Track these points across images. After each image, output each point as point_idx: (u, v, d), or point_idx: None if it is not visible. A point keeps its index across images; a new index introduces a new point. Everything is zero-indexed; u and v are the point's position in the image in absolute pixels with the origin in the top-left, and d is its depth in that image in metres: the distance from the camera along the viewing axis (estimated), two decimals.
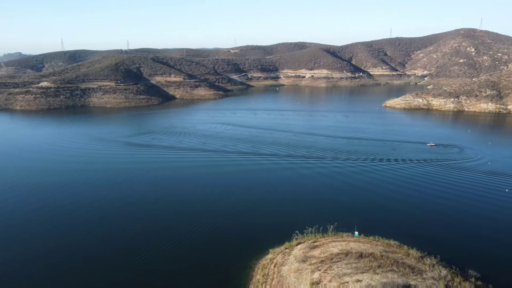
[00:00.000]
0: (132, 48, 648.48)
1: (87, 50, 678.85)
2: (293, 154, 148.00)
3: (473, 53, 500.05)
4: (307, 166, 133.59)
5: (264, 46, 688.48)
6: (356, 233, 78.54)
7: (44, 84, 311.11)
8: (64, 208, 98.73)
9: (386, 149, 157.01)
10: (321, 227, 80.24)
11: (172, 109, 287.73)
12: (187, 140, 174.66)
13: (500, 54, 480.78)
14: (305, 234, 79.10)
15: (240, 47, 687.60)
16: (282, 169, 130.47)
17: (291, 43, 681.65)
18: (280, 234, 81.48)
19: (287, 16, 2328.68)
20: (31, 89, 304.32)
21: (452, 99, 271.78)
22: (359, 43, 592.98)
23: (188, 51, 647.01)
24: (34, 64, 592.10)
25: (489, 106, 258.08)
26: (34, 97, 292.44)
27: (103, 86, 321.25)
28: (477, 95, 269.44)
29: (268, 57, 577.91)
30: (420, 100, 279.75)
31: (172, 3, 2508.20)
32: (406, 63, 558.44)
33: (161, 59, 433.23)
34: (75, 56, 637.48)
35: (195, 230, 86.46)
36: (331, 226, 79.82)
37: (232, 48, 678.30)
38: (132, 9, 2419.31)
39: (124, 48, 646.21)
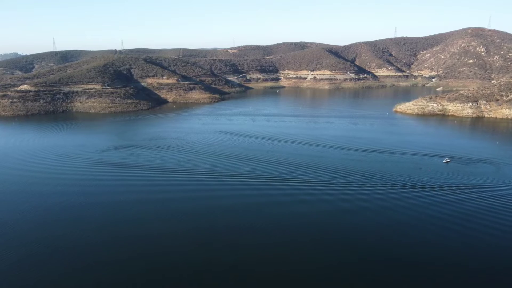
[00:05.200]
0: (127, 48, 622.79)
1: (79, 51, 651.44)
2: (293, 178, 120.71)
3: (483, 53, 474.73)
4: (310, 194, 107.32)
5: (263, 46, 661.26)
6: None
7: (23, 87, 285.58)
8: None
9: (408, 167, 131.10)
10: None
11: (162, 115, 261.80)
12: (169, 156, 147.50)
13: (511, 54, 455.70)
14: None
15: (239, 47, 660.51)
16: (278, 202, 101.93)
17: (291, 43, 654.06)
18: None
19: (287, 15, 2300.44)
20: (9, 93, 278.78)
21: (470, 104, 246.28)
22: (362, 42, 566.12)
23: (185, 51, 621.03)
24: (24, 65, 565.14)
25: None
26: (11, 102, 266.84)
27: (88, 89, 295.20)
28: (497, 100, 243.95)
29: (267, 57, 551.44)
30: (435, 104, 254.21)
31: (171, 2, 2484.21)
32: (412, 64, 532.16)
33: (154, 60, 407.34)
34: (67, 57, 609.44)
35: None
36: None
37: (231, 48, 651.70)
38: (128, 9, 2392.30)
39: (119, 48, 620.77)
